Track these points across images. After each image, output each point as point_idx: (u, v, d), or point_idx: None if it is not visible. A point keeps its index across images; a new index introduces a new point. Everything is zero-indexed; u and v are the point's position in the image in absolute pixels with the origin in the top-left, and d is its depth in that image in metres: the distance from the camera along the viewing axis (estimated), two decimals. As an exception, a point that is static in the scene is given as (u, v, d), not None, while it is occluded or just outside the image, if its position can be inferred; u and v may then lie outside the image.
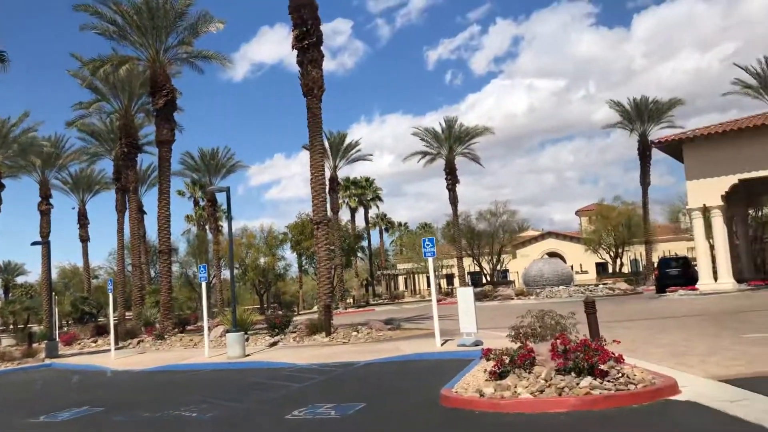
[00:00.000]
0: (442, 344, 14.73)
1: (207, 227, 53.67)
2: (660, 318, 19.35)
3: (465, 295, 14.23)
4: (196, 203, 59.83)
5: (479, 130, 50.72)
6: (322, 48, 21.14)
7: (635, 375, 8.76)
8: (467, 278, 66.30)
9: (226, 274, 50.05)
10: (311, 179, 20.08)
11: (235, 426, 8.84)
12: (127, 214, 36.43)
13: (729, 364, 10.17)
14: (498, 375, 9.25)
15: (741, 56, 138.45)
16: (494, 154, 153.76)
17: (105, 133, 39.91)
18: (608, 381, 8.49)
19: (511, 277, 65.23)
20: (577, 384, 8.33)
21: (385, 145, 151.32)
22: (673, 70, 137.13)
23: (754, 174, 27.73)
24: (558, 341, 9.16)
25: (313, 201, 19.99)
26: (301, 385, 11.73)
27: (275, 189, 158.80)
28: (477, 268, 59.40)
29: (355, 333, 18.25)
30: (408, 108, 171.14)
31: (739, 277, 30.59)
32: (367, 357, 14.35)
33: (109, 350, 21.42)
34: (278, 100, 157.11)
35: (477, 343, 13.93)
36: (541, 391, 8.32)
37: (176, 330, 26.17)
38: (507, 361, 9.29)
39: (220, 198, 50.02)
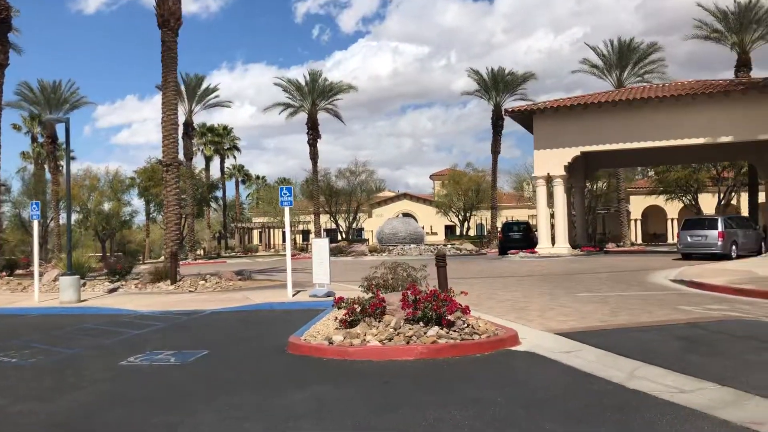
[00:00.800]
0: (293, 295, 14.49)
1: (45, 166, 49.31)
2: (502, 277, 20.31)
3: (320, 246, 14.03)
4: (34, 139, 54.70)
5: (343, 87, 50.32)
6: (181, -22, 19.65)
7: (480, 326, 9.01)
8: (323, 235, 66.48)
9: (65, 217, 46.53)
10: (162, 118, 18.78)
11: (59, 372, 8.07)
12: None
13: (564, 319, 10.77)
14: (348, 323, 9.16)
15: (588, 41, 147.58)
16: (356, 115, 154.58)
17: None
18: (454, 331, 8.65)
19: (366, 235, 66.23)
20: (425, 333, 8.42)
21: (246, 96, 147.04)
22: (528, 48, 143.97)
23: (594, 147, 29.76)
24: (409, 291, 9.21)
25: (163, 141, 18.71)
26: (140, 331, 11.02)
27: (125, 132, 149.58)
28: (333, 225, 59.65)
29: (203, 282, 17.54)
30: (272, 59, 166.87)
31: (573, 244, 32.96)
32: (214, 306, 13.82)
33: None
34: (133, 39, 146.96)
35: (329, 294, 13.83)
36: (390, 339, 8.32)
37: (3, 273, 23.90)
38: (358, 309, 9.22)
39: (63, 136, 46.03)
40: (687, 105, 28.02)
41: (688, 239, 24.85)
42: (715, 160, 39.39)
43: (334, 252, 38.59)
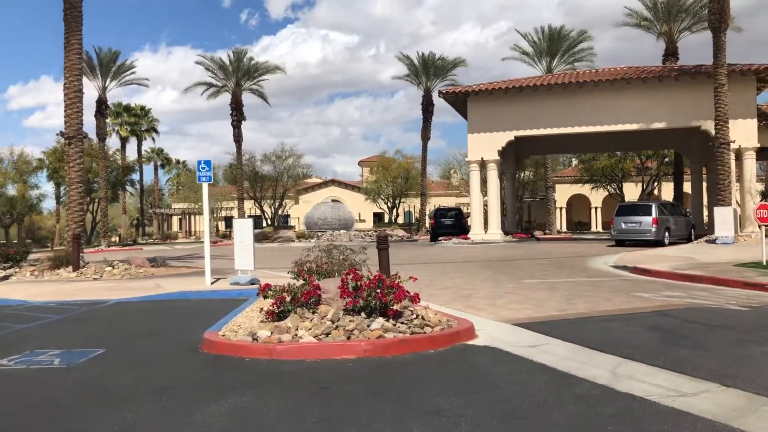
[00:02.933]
0: (212, 282, 12.91)
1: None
2: (439, 262, 19.28)
3: (243, 227, 12.47)
4: None
5: (270, 67, 48.08)
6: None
7: (430, 317, 7.79)
8: (246, 221, 64.09)
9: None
10: (65, 84, 16.54)
11: None
12: None
13: (517, 308, 9.72)
14: (277, 315, 7.76)
15: (512, 36, 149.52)
16: (284, 102, 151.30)
17: None
18: (402, 323, 7.41)
19: (292, 222, 64.30)
20: (368, 326, 7.13)
21: (169, 80, 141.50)
22: (455, 40, 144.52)
23: (529, 132, 29.17)
24: (349, 276, 7.88)
25: (65, 111, 16.50)
26: (25, 326, 9.24)
27: (39, 115, 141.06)
28: (259, 212, 57.47)
29: (109, 269, 15.61)
30: (198, 42, 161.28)
31: (505, 230, 32.42)
32: (121, 295, 12.07)
33: None
34: (50, 16, 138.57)
35: (253, 282, 12.35)
36: (327, 334, 6.98)
37: None
38: (288, 299, 7.82)
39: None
40: (622, 90, 27.75)
41: (622, 225, 24.55)
42: (644, 147, 39.75)
43: (259, 238, 36.73)
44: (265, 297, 8.01)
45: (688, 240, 25.88)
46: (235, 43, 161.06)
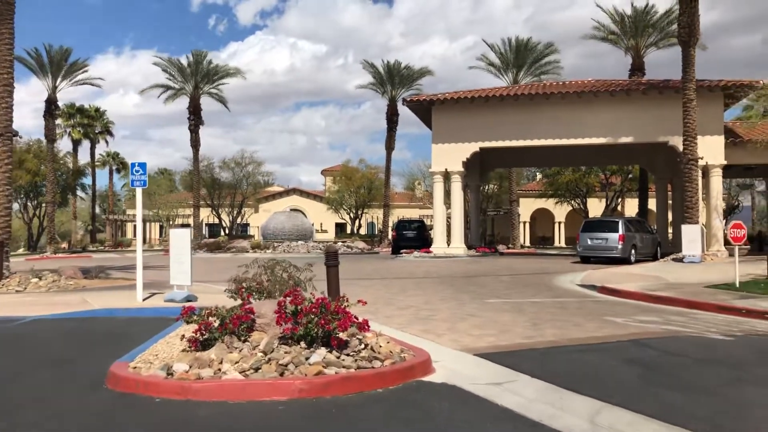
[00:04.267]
0: (145, 299, 11.65)
1: None
2: (398, 278, 18.27)
3: (179, 238, 11.26)
4: None
5: (230, 70, 46.72)
6: None
7: (382, 346, 6.73)
8: (204, 229, 62.27)
9: None
10: None
11: None
12: None
13: (479, 333, 8.75)
14: (201, 344, 6.62)
15: (480, 50, 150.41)
16: (249, 110, 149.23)
17: None
18: (348, 354, 6.36)
19: (251, 231, 62.62)
20: (307, 359, 6.05)
21: (132, 84, 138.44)
22: (424, 53, 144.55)
23: (494, 143, 28.41)
24: (288, 299, 6.80)
25: (-7, 105, 15.15)
26: None
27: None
28: (216, 220, 55.81)
29: (36, 280, 14.20)
30: (164, 47, 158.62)
31: (468, 244, 31.59)
32: (40, 311, 10.76)
33: None
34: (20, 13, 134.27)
35: (190, 299, 11.15)
36: (257, 369, 5.88)
37: None
38: (216, 324, 6.69)
39: None
40: (589, 103, 27.20)
41: (588, 242, 23.90)
42: (609, 162, 39.44)
43: (211, 248, 35.35)
44: (188, 322, 6.87)
45: (654, 258, 25.35)
46: (202, 49, 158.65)
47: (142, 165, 11.27)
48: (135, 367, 6.22)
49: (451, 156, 28.76)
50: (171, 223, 61.59)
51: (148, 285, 14.45)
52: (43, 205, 43.55)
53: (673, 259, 22.74)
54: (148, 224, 62.92)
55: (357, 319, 6.81)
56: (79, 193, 54.58)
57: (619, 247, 23.14)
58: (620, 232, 23.32)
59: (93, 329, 9.29)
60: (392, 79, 46.50)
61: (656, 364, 6.88)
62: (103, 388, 5.88)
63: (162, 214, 54.28)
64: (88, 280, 15.39)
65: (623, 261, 23.05)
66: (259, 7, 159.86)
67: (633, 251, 23.71)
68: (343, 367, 6.00)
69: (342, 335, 6.58)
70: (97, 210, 66.65)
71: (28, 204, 47.07)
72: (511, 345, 7.98)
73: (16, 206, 49.77)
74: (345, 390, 5.65)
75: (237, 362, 6.02)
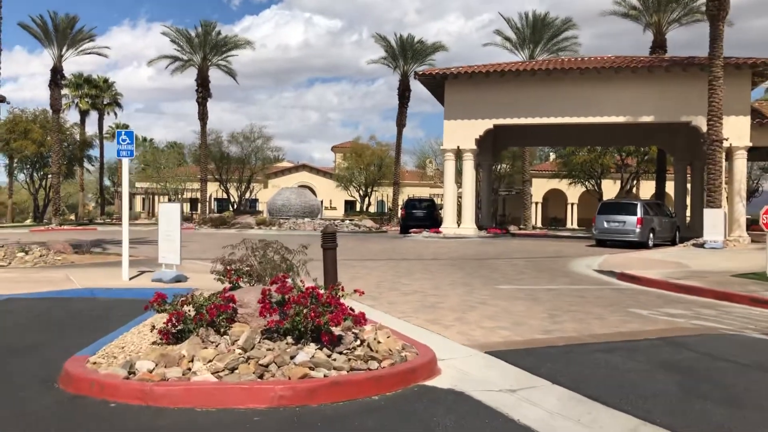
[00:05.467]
0: (132, 278, 10.85)
1: None
2: (405, 259, 17.42)
3: (169, 214, 10.42)
4: None
5: (240, 42, 45.61)
6: None
7: (380, 343, 5.86)
8: (213, 204, 61.57)
9: None
10: None
11: None
12: None
13: (492, 326, 7.89)
14: (174, 336, 5.80)
15: (496, 26, 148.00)
16: (262, 84, 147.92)
17: None
18: (341, 352, 5.52)
19: (260, 207, 61.89)
20: (293, 358, 5.20)
21: (146, 57, 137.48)
22: (439, 30, 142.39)
23: (509, 121, 27.34)
24: (273, 287, 5.95)
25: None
26: None
27: (10, 87, 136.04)
28: (224, 195, 55.07)
29: (22, 254, 13.43)
30: (179, 20, 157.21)
31: (479, 224, 30.65)
32: (17, 289, 9.99)
33: None
34: None
35: (179, 279, 10.37)
36: (233, 370, 5.05)
37: None
38: (191, 314, 5.86)
39: None
40: (608, 80, 26.03)
41: (605, 224, 22.90)
42: (626, 143, 38.18)
43: (216, 223, 34.62)
44: (158, 311, 6.02)
45: (673, 243, 24.36)
46: (217, 22, 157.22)
47: (129, 134, 10.41)
48: (95, 363, 5.40)
49: (464, 133, 27.72)
50: (179, 196, 60.98)
51: (140, 262, 13.75)
52: (49, 176, 42.89)
53: (694, 245, 21.77)
54: (157, 197, 62.42)
55: (353, 311, 5.97)
56: (87, 165, 53.93)
57: (637, 230, 22.15)
58: (639, 215, 22.31)
59: (67, 311, 8.50)
60: (405, 53, 45.24)
61: (696, 369, 5.99)
62: (54, 388, 5.07)
63: (170, 188, 53.59)
64: (79, 256, 14.63)
65: (641, 245, 22.09)
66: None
67: (651, 235, 22.72)
68: (334, 368, 5.16)
69: (336, 329, 5.73)
70: (107, 182, 66.11)
71: (34, 175, 46.49)
72: (527, 341, 7.12)
73: (21, 177, 49.33)
74: (334, 397, 4.81)
75: (210, 360, 5.19)
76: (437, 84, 28.95)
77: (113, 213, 56.71)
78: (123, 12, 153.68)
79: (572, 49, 40.57)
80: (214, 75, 42.33)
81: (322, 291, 5.99)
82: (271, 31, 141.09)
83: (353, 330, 5.92)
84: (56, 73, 40.25)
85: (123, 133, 10.31)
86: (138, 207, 65.54)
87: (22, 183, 50.30)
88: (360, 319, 5.87)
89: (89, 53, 42.11)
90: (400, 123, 46.37)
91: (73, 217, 52.60)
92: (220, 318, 5.82)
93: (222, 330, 5.84)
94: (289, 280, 6.24)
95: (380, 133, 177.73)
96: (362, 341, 5.88)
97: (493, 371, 5.83)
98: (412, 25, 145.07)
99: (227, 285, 7.47)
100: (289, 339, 5.63)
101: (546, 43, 40.91)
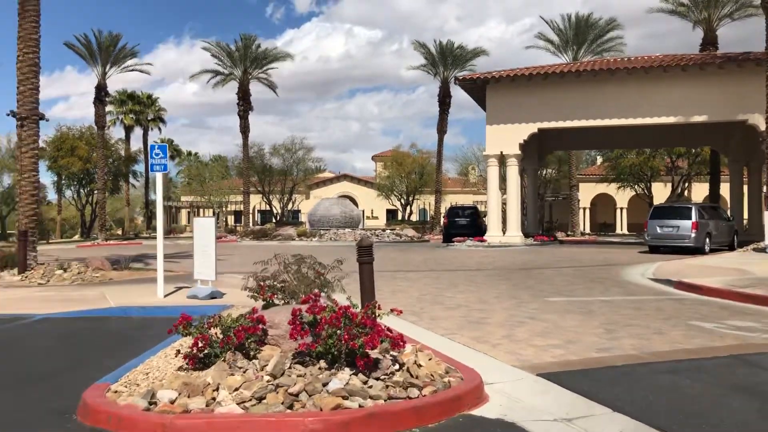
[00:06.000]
0: (168, 294, 10.60)
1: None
2: (448, 270, 16.86)
3: (204, 228, 10.13)
4: None
5: (279, 54, 45.84)
6: None
7: (421, 366, 5.38)
8: (257, 216, 61.96)
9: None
10: (18, 56, 14.08)
11: None
12: None
13: (543, 343, 7.31)
14: (201, 361, 5.42)
15: (537, 30, 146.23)
16: (304, 97, 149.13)
17: None
18: (378, 378, 5.04)
19: (302, 218, 62.02)
20: (325, 385, 4.75)
21: (190, 73, 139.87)
22: (480, 36, 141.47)
23: (554, 124, 26.55)
24: (304, 306, 5.53)
25: (18, 87, 14.15)
26: None
27: (62, 106, 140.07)
28: (266, 207, 55.31)
29: (61, 272, 13.36)
30: (223, 36, 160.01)
31: (525, 232, 29.85)
32: (53, 308, 9.84)
33: None
34: (83, 4, 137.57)
35: (214, 296, 10.06)
36: (260, 399, 4.63)
37: None
38: (219, 336, 5.47)
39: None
40: (657, 79, 25.04)
41: (658, 230, 21.93)
42: (677, 144, 36.84)
43: (257, 235, 34.59)
44: (184, 334, 5.64)
45: (730, 248, 23.19)
46: (260, 37, 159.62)
47: (162, 147, 10.17)
48: (116, 391, 5.05)
49: (507, 138, 27.02)
50: (224, 209, 61.50)
51: (178, 278, 13.51)
52: (95, 192, 43.65)
53: (754, 249, 20.65)
54: (202, 210, 63.13)
55: (390, 331, 5.49)
56: (132, 180, 54.85)
57: (693, 235, 21.13)
58: (693, 219, 21.29)
59: (98, 332, 8.24)
60: (445, 59, 44.74)
61: (778, 395, 5.32)
62: (72, 420, 4.73)
63: (213, 201, 54.09)
64: (117, 272, 14.51)
65: (696, 251, 21.07)
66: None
67: (707, 240, 21.66)
68: (370, 397, 4.69)
69: (374, 353, 5.27)
70: (152, 196, 67.17)
71: (81, 191, 47.40)
72: (583, 360, 6.53)
73: (69, 193, 50.35)
74: (370, 430, 4.34)
75: (237, 389, 4.78)
76: (478, 89, 28.35)
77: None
78: (168, 30, 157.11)
79: (617, 49, 39.48)
80: (256, 89, 42.81)
81: (356, 310, 5.54)
82: (313, 44, 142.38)
83: (390, 354, 5.44)
84: (100, 90, 41.01)
85: (156, 146, 10.08)
86: (183, 221, 66.40)
87: (69, 199, 51.36)
88: (398, 342, 5.39)
89: (132, 70, 42.86)
90: (441, 129, 45.85)
91: (120, 231, 53.52)
92: (249, 341, 5.42)
93: (252, 353, 5.45)
94: (322, 299, 5.81)
95: (421, 141, 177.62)
96: (401, 365, 5.41)
97: (547, 397, 5.28)
98: (452, 32, 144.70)
99: (260, 303, 7.10)
100: (322, 363, 5.19)
101: (590, 45, 39.89)
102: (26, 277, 13.09)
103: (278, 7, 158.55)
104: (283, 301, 7.23)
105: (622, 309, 9.92)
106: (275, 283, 7.55)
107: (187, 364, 5.45)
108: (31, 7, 14.29)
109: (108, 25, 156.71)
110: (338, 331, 5.14)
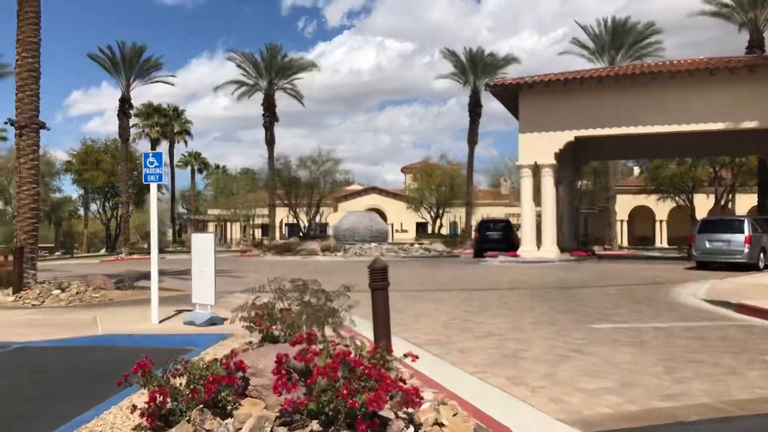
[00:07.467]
0: (162, 320, 9.52)
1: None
2: (479, 289, 15.56)
3: (202, 245, 9.03)
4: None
5: (305, 64, 45.06)
6: None
7: (443, 426, 4.16)
8: (284, 229, 61.19)
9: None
10: (17, 61, 13.31)
11: None
12: None
13: (592, 386, 6.02)
14: (162, 418, 4.26)
15: (571, 39, 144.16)
16: (334, 110, 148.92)
17: None
18: (385, 449, 3.81)
19: (330, 231, 61.13)
20: (313, 462, 3.54)
21: (223, 87, 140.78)
22: (511, 47, 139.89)
23: (591, 132, 25.11)
24: (294, 349, 4.36)
25: (17, 94, 13.28)
26: None
27: (97, 121, 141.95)
28: (293, 219, 54.48)
29: (58, 292, 12.38)
30: (255, 50, 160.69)
31: (561, 246, 28.32)
32: (37, 335, 8.83)
33: None
34: (118, 20, 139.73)
35: (213, 322, 8.94)
36: (225, 482, 3.42)
37: None
38: (186, 391, 4.31)
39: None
40: (702, 83, 23.48)
41: (707, 244, 20.34)
42: (721, 153, 34.88)
43: (280, 250, 33.58)
44: (144, 385, 4.48)
45: (788, 264, 21.46)
46: (291, 51, 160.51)
47: (158, 156, 9.13)
48: (47, 462, 3.92)
49: (542, 147, 25.65)
50: (250, 223, 60.89)
51: (181, 299, 12.43)
52: (119, 205, 43.25)
53: (815, 266, 18.95)
54: (229, 224, 62.62)
55: (403, 383, 4.28)
56: (158, 193, 54.53)
57: (746, 251, 19.51)
58: (746, 233, 19.68)
59: (75, 366, 7.17)
60: (475, 67, 43.51)
61: None
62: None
63: (239, 214, 53.47)
64: (120, 291, 13.51)
65: (750, 267, 19.44)
66: (347, 8, 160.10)
67: (762, 256, 20.02)
68: (372, 480, 3.47)
69: (383, 410, 4.06)
70: (180, 210, 66.97)
71: (106, 204, 47.13)
72: (645, 412, 5.24)
73: (93, 207, 50.19)
74: None
75: (197, 466, 3.60)
76: (510, 96, 27.04)
77: (186, 240, 57.03)
78: (202, 45, 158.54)
79: (656, 55, 37.78)
80: (285, 102, 42.21)
81: (363, 353, 4.35)
82: (344, 57, 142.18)
83: (403, 413, 4.22)
84: (124, 102, 40.60)
85: (151, 155, 9.05)
86: (211, 234, 65.89)
87: (94, 213, 51.18)
88: (413, 398, 4.16)
89: (156, 82, 42.37)
90: (472, 140, 44.56)
91: (145, 245, 53.06)
92: (223, 393, 4.25)
93: (229, 407, 4.29)
94: (318, 342, 4.61)
95: (453, 153, 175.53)
96: (418, 426, 4.18)
97: (608, 473, 4.01)
98: (484, 43, 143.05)
99: (258, 335, 6.00)
100: (315, 425, 4.00)
101: (628, 50, 38.30)
102: (20, 297, 12.14)
103: (310, 21, 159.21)
104: (283, 333, 6.08)
105: (681, 339, 8.56)
106: (275, 311, 6.41)
107: (146, 422, 4.30)
108: (30, 8, 13.46)
109: (143, 42, 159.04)
110: (336, 384, 3.95)
